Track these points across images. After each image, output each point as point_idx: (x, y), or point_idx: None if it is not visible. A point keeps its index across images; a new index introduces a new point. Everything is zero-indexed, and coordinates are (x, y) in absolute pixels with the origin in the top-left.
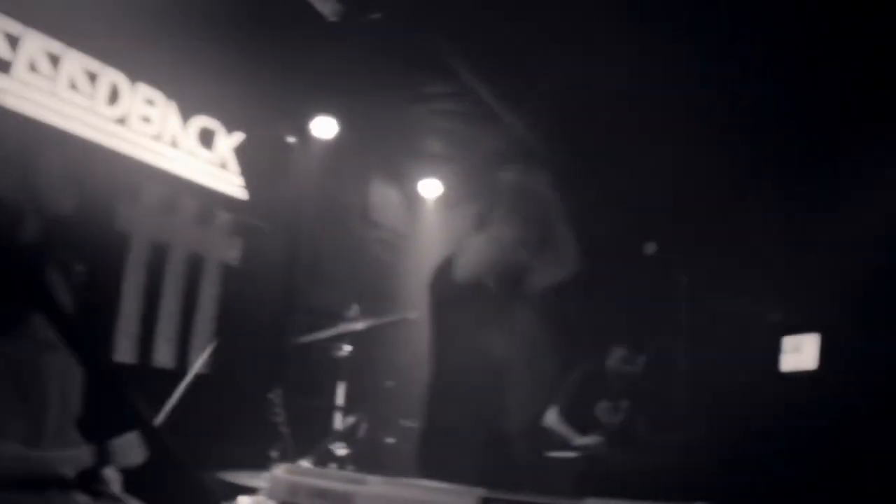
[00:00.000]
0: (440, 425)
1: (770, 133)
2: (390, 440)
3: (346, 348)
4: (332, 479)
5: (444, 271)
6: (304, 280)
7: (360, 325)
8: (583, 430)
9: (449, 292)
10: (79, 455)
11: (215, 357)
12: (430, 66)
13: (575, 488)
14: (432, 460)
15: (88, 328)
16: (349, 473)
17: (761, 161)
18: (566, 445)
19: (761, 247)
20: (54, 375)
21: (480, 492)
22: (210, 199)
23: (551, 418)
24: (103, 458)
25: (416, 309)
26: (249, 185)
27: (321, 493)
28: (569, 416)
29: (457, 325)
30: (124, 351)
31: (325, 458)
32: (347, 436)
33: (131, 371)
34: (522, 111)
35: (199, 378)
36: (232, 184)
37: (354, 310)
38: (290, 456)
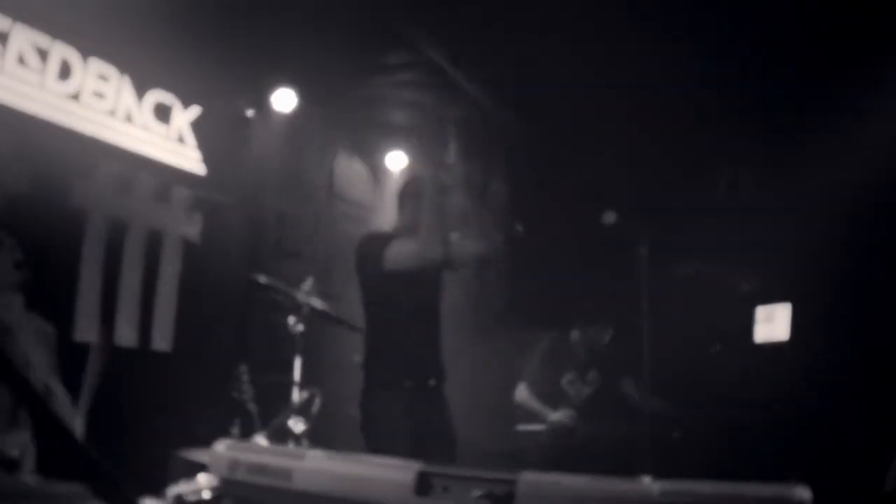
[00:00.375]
0: (373, 387)
1: (739, 101)
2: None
3: (300, 326)
4: (271, 454)
5: (371, 257)
6: (267, 255)
7: (310, 302)
8: (552, 404)
9: (376, 274)
10: (27, 437)
11: (178, 335)
12: (391, 36)
13: (541, 461)
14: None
15: None
16: (288, 448)
17: (731, 129)
18: (538, 420)
19: (730, 216)
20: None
21: (418, 465)
22: (168, 175)
23: (521, 394)
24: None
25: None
26: (208, 160)
27: (260, 469)
28: (537, 390)
29: (386, 297)
30: (84, 330)
31: (280, 434)
32: (302, 411)
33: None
34: (482, 81)
35: (162, 356)
36: (190, 159)
37: (308, 283)
38: (253, 432)
